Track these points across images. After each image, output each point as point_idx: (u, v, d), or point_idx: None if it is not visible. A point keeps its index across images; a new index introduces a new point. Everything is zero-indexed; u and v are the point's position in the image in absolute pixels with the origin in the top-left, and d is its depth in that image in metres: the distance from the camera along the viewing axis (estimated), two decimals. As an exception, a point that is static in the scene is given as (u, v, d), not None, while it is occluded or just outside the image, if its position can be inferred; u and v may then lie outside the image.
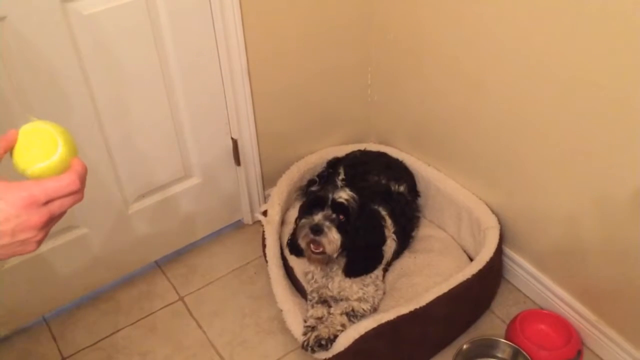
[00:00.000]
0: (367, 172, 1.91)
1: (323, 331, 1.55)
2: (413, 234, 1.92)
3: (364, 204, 1.56)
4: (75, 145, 0.75)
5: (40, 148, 0.72)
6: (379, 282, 1.69)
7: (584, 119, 1.43)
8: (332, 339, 1.53)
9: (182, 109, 1.75)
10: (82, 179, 0.73)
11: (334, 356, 1.52)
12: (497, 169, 1.77)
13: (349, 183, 1.88)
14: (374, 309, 1.66)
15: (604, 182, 1.46)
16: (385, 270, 1.77)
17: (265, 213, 1.89)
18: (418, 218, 1.97)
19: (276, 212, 1.88)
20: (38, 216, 0.69)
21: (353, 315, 1.61)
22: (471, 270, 1.63)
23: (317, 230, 1.48)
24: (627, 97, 1.31)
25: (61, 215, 0.73)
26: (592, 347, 1.67)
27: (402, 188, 1.89)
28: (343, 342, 1.51)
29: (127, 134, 1.68)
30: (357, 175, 1.90)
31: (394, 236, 1.73)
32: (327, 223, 1.49)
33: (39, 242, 0.72)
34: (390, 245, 1.72)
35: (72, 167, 0.73)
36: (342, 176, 1.92)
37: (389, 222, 1.73)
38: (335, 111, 2.13)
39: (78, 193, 0.73)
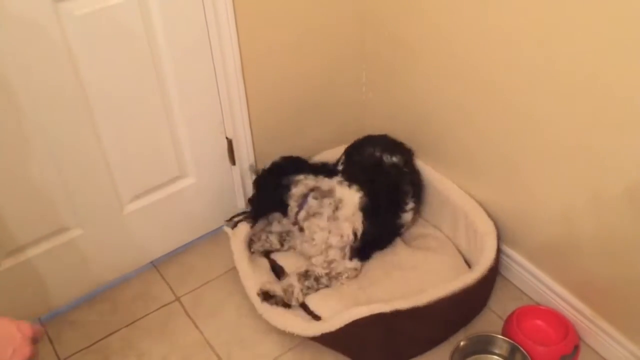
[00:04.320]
0: (363, 146, 1.95)
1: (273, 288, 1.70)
2: (407, 207, 1.87)
3: None
4: None
5: None
6: (339, 261, 1.75)
7: (579, 116, 1.43)
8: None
9: (176, 108, 1.75)
10: None
11: (323, 335, 1.54)
12: (492, 166, 1.77)
13: (346, 165, 1.91)
14: (330, 278, 1.74)
15: (598, 179, 1.46)
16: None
17: (235, 221, 1.93)
18: (415, 190, 1.91)
19: (245, 228, 1.91)
20: None
21: (306, 277, 1.72)
22: (472, 277, 1.62)
23: None
24: (621, 95, 1.32)
25: None
26: (589, 342, 1.67)
27: (395, 159, 1.89)
28: (335, 323, 1.52)
29: (120, 134, 1.67)
30: (354, 152, 1.95)
31: (360, 214, 1.73)
32: None
33: None
34: (350, 223, 1.72)
35: None
36: (342, 160, 1.96)
37: (356, 199, 1.73)
38: (330, 109, 2.12)
39: None
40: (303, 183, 1.78)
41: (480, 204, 1.84)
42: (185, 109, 1.77)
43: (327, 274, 1.73)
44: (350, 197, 1.73)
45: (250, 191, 2.06)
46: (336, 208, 1.72)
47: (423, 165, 1.99)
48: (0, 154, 1.48)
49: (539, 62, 1.47)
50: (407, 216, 1.89)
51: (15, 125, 1.47)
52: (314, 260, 1.75)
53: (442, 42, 1.73)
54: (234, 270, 1.97)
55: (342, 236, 1.72)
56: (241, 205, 2.10)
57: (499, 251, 1.74)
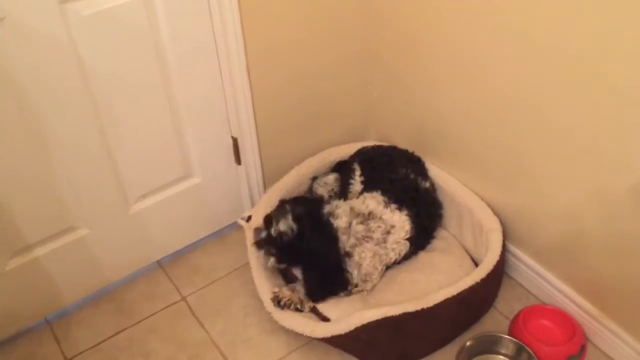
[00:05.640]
0: (392, 163, 1.90)
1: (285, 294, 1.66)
2: (435, 233, 1.92)
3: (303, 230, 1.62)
4: None
5: None
6: (374, 278, 1.71)
7: (586, 115, 1.43)
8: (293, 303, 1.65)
9: (181, 108, 1.75)
10: None
11: (333, 336, 1.54)
12: (498, 165, 1.76)
13: (368, 179, 1.86)
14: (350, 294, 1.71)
15: (604, 177, 1.46)
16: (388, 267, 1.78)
17: (249, 218, 1.88)
18: (441, 216, 1.95)
19: (259, 218, 1.83)
20: None
21: None
22: (480, 274, 1.62)
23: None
24: (627, 92, 1.31)
25: None
26: (596, 342, 1.67)
27: (427, 184, 1.89)
28: (344, 326, 1.52)
29: (126, 133, 1.67)
30: (380, 167, 1.89)
31: (407, 243, 1.72)
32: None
33: None
34: (397, 250, 1.71)
35: None
36: (358, 172, 1.90)
37: (407, 227, 1.71)
38: (336, 108, 2.12)
39: None
40: (341, 211, 1.70)
41: (486, 203, 1.84)
42: (191, 108, 1.77)
43: (348, 290, 1.71)
44: (401, 223, 1.71)
45: (255, 191, 2.07)
46: (387, 232, 1.69)
47: (428, 164, 1.99)
48: (7, 154, 1.49)
49: (544, 60, 1.46)
50: (434, 242, 1.91)
51: (22, 126, 1.47)
52: (353, 276, 1.68)
53: (447, 40, 1.73)
54: (239, 269, 1.98)
55: (388, 260, 1.71)
56: (247, 204, 2.10)
57: (504, 248, 1.74)
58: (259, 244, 1.69)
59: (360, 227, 1.69)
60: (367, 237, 1.68)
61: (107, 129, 1.63)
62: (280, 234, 1.60)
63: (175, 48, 1.64)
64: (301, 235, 1.60)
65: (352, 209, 1.72)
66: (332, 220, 1.67)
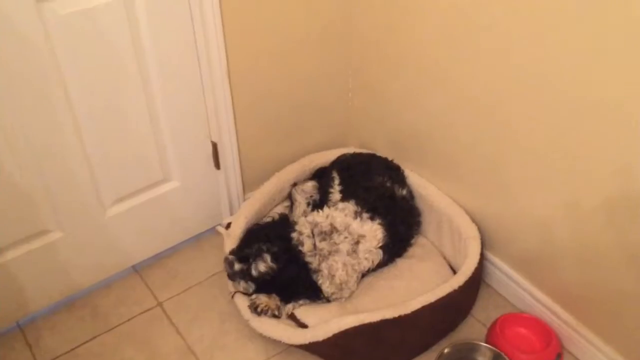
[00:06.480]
0: (369, 171, 1.90)
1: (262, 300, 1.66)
2: (412, 241, 1.92)
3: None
4: None
5: None
6: (351, 285, 1.71)
7: (559, 128, 1.45)
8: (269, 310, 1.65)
9: (161, 111, 1.73)
10: None
11: (310, 343, 1.54)
12: (476, 175, 1.78)
13: (346, 188, 1.86)
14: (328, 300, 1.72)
15: (576, 189, 1.48)
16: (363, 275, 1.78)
17: (228, 225, 1.87)
18: (419, 223, 1.96)
19: (239, 226, 1.85)
20: None
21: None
22: (458, 281, 1.63)
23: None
24: (600, 107, 1.33)
25: None
26: (572, 350, 1.68)
27: (404, 192, 1.89)
28: (322, 333, 1.51)
29: (103, 136, 1.65)
30: (357, 175, 1.89)
31: (379, 251, 1.73)
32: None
33: None
34: (370, 259, 1.72)
35: None
36: (337, 181, 1.90)
37: (379, 235, 1.72)
38: (316, 115, 2.12)
39: None
40: (304, 237, 1.69)
41: (465, 211, 1.85)
42: (170, 112, 1.75)
43: (325, 297, 1.71)
44: (372, 232, 1.71)
45: (234, 196, 2.05)
46: (356, 242, 1.70)
47: (408, 171, 1.99)
48: (-21, 154, 1.46)
49: (520, 73, 1.48)
50: (413, 249, 1.92)
51: (-4, 126, 1.45)
52: (325, 287, 1.68)
53: (427, 49, 1.74)
54: (217, 275, 1.96)
55: (361, 269, 1.72)
56: (225, 210, 2.08)
57: (482, 256, 1.75)
58: (233, 276, 1.72)
59: (323, 244, 1.69)
60: (333, 251, 1.68)
61: (82, 131, 1.60)
62: (262, 274, 1.65)
63: (155, 51, 1.62)
64: (280, 271, 1.66)
65: (315, 225, 1.71)
66: (300, 248, 1.69)
